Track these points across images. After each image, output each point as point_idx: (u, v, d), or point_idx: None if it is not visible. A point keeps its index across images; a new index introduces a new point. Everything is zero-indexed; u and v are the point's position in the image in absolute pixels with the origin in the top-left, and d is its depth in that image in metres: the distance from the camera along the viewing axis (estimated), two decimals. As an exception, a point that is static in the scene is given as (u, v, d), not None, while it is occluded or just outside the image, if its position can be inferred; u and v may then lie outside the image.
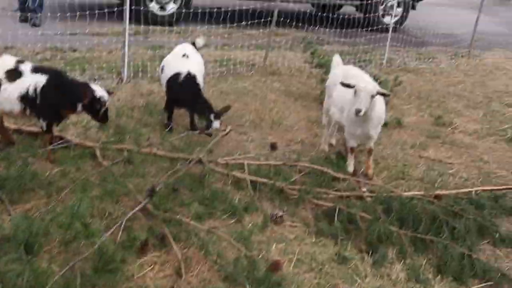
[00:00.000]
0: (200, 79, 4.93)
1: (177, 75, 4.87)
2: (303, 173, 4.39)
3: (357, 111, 4.06)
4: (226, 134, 5.05)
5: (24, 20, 8.11)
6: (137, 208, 3.53)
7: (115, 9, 6.41)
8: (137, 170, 4.12)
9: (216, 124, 4.69)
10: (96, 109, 4.11)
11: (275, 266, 2.93)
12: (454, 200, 4.01)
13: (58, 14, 6.30)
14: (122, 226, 3.30)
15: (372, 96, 4.07)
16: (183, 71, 4.86)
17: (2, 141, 4.33)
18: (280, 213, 3.78)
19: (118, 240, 3.22)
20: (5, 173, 3.72)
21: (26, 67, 4.07)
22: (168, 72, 4.97)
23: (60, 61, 6.57)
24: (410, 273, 3.35)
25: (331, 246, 3.54)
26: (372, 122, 4.33)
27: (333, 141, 5.28)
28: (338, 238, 3.58)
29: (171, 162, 4.32)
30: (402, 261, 3.47)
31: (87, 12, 6.30)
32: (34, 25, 8.12)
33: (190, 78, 4.84)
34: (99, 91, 4.09)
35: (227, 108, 4.84)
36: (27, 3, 8.15)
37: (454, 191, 4.25)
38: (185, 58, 5.03)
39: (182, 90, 4.85)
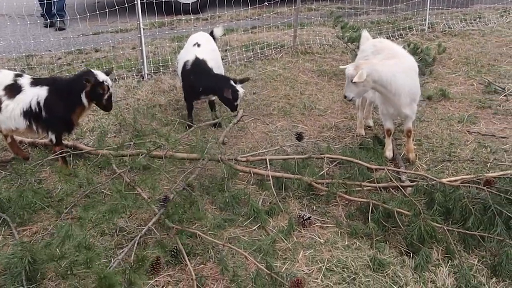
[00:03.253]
0: (212, 64, 4.68)
1: (186, 62, 4.71)
2: (334, 163, 3.96)
3: (344, 97, 3.88)
4: (239, 120, 4.76)
5: (48, 25, 7.98)
6: (150, 223, 3.22)
7: (126, 4, 6.13)
8: (153, 176, 3.82)
9: (240, 90, 4.49)
10: (99, 93, 3.81)
11: (295, 286, 2.55)
12: (510, 183, 3.44)
13: (78, 17, 6.08)
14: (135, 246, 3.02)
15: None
16: (192, 58, 4.68)
17: (16, 157, 4.15)
18: (308, 215, 3.37)
19: (129, 260, 2.94)
20: (14, 193, 3.50)
21: (25, 81, 3.84)
22: (180, 63, 4.82)
23: (81, 63, 6.36)
24: (459, 277, 2.86)
25: (366, 250, 3.11)
26: (402, 100, 3.83)
27: (370, 123, 4.80)
28: (373, 240, 3.15)
29: (189, 163, 4.00)
30: (449, 262, 2.99)
31: (107, 10, 6.05)
32: (60, 29, 7.98)
33: (199, 62, 4.65)
34: (100, 75, 3.80)
35: (246, 79, 4.74)
36: (49, 9, 7.99)
37: (509, 172, 3.69)
38: (195, 47, 4.79)
39: (194, 75, 4.63)
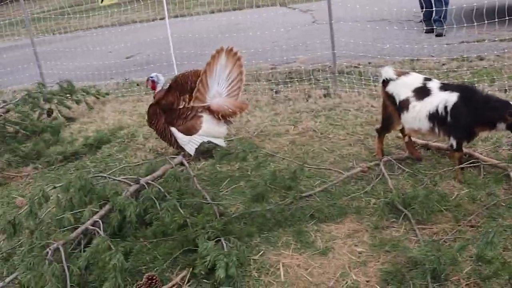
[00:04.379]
0: None
1: None
2: None
3: None
4: None
5: (429, 31, 8.17)
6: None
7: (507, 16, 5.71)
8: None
9: None
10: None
11: None
12: None
13: (464, 25, 6.04)
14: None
15: None
16: None
17: (410, 157, 4.36)
18: None
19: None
20: (412, 192, 3.69)
21: (433, 85, 3.98)
22: None
23: (466, 71, 6.29)
24: None
25: None
26: None
27: None
28: None
29: None
30: None
31: (496, 19, 5.83)
32: (438, 35, 8.09)
33: None
34: None
35: None
36: (429, 15, 8.17)
37: None
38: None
39: None
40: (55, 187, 3.80)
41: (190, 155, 4.71)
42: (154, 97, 4.96)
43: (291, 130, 5.26)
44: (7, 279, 2.98)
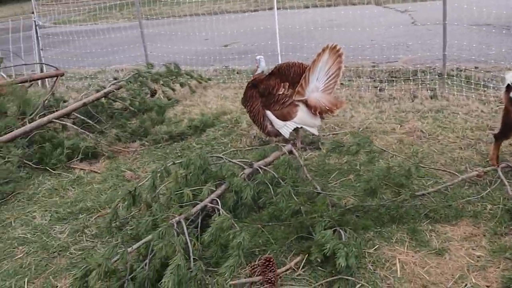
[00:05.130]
0: None
1: None
2: None
3: None
4: None
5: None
6: None
7: None
8: None
9: None
10: None
11: None
12: None
13: None
14: None
15: None
16: None
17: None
18: None
19: None
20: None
21: None
22: None
23: None
24: None
25: None
26: None
27: None
28: None
29: None
30: None
31: None
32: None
33: None
34: None
35: None
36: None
37: None
38: None
39: None
40: (174, 163, 3.94)
41: (294, 144, 4.78)
42: (252, 78, 5.06)
43: (398, 129, 5.18)
44: (135, 245, 3.13)
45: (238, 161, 4.04)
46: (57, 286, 3.41)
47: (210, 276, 3.16)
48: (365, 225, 3.43)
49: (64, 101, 6.61)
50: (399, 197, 3.69)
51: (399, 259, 3.21)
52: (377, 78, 6.85)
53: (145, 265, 3.07)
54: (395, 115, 5.55)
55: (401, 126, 5.25)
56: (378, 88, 6.54)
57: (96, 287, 2.92)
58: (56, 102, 6.38)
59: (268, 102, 4.80)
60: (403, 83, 6.56)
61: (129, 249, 3.09)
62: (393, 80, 6.72)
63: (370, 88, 6.58)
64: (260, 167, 3.96)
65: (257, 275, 3.16)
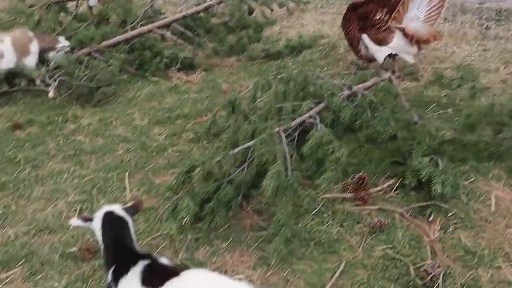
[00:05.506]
0: None
1: None
2: None
3: None
4: None
5: None
6: None
7: None
8: None
9: None
10: None
11: None
12: None
13: None
14: None
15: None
16: None
17: None
18: None
19: None
20: None
21: None
22: None
23: None
24: None
25: None
26: None
27: None
28: None
29: None
30: None
31: None
32: None
33: None
34: None
35: None
36: None
37: None
38: None
39: None
40: (275, 78, 4.00)
41: (393, 72, 4.71)
42: (352, 1, 4.97)
43: (502, 70, 4.96)
44: (236, 149, 3.26)
45: (338, 82, 4.05)
46: (155, 182, 3.65)
47: (302, 189, 3.26)
48: (463, 157, 3.40)
49: (162, 13, 6.72)
50: (500, 135, 3.61)
51: (495, 194, 3.18)
52: (484, 16, 6.48)
53: (243, 169, 3.21)
54: (500, 55, 5.29)
55: (505, 66, 5.02)
56: (484, 26, 6.20)
57: (196, 185, 3.10)
58: (155, 14, 6.51)
59: (365, 26, 4.76)
60: (511, 23, 6.18)
61: (230, 152, 3.23)
62: (501, 19, 6.34)
63: (475, 25, 6.25)
64: (359, 91, 3.95)
65: (349, 192, 3.26)
